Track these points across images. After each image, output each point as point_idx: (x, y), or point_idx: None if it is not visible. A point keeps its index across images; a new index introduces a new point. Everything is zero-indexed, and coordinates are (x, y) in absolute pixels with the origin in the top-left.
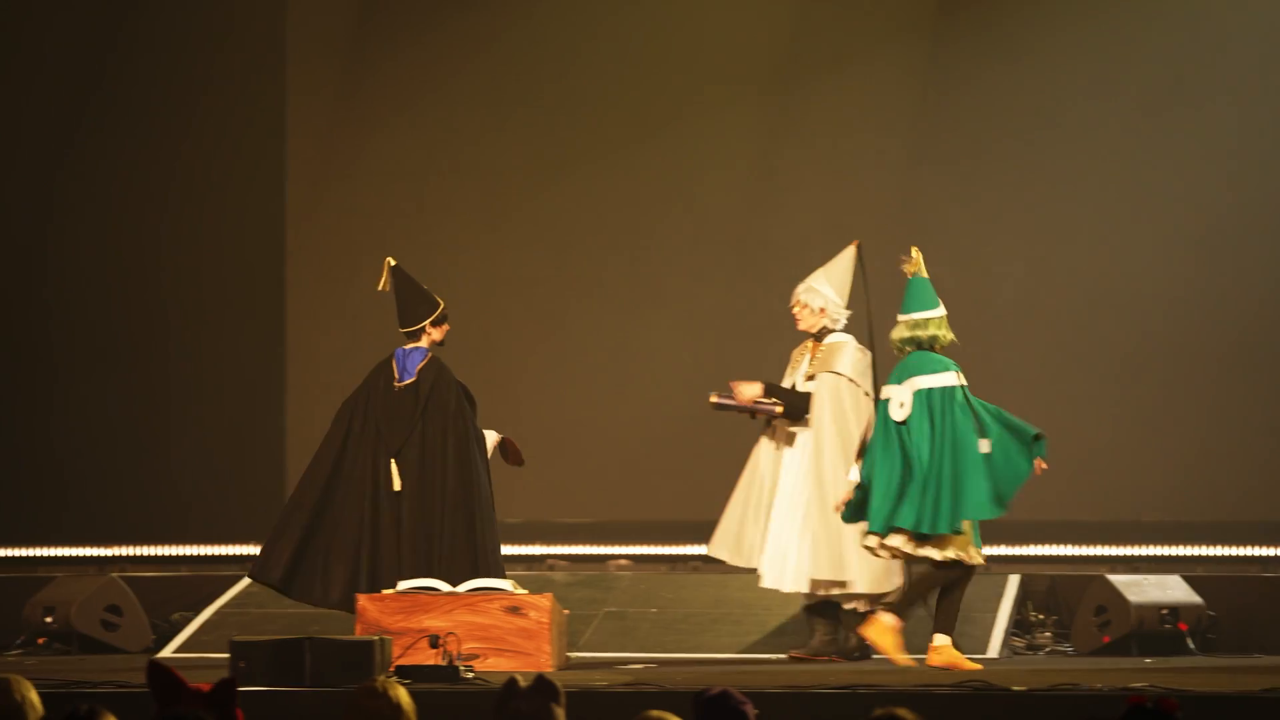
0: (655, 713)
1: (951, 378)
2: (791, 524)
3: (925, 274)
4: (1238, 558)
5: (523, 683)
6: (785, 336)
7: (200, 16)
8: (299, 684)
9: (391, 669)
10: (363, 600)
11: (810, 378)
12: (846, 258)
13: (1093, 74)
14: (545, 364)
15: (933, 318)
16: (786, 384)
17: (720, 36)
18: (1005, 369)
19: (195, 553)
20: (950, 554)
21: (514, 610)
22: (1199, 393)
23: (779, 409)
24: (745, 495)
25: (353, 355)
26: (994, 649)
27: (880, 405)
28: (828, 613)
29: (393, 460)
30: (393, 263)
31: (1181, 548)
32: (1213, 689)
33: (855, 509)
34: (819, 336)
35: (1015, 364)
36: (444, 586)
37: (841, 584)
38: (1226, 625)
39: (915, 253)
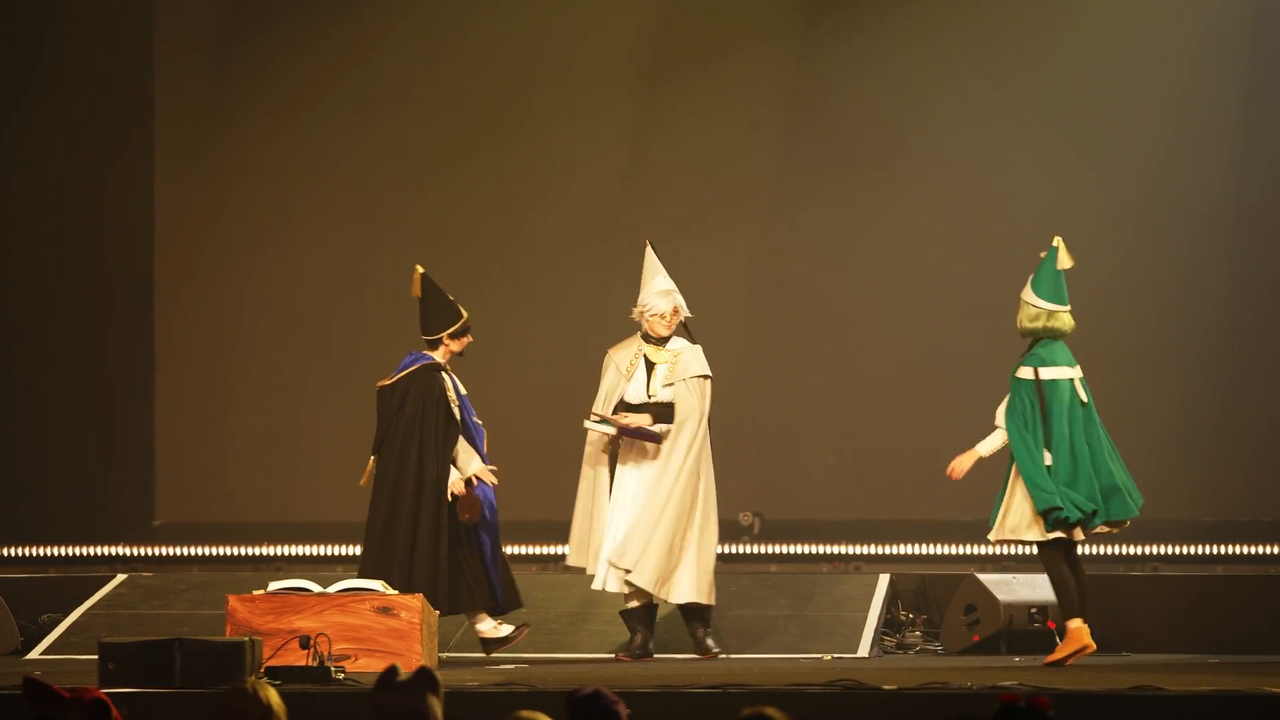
0: (527, 713)
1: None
2: (677, 534)
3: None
4: (1105, 556)
5: (402, 673)
6: None
7: (68, 17)
8: (169, 685)
9: (262, 670)
10: (233, 601)
11: (670, 384)
12: (655, 258)
13: (956, 75)
14: None
15: (1062, 310)
16: (630, 390)
17: (588, 37)
18: (872, 366)
19: (64, 553)
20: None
21: (385, 611)
22: None
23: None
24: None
25: (221, 355)
26: (864, 648)
27: (1066, 385)
28: (646, 617)
29: (372, 457)
30: (421, 270)
31: None
32: (1081, 687)
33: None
34: (661, 341)
35: (882, 362)
36: (315, 587)
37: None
38: (1094, 624)
39: (1058, 242)
